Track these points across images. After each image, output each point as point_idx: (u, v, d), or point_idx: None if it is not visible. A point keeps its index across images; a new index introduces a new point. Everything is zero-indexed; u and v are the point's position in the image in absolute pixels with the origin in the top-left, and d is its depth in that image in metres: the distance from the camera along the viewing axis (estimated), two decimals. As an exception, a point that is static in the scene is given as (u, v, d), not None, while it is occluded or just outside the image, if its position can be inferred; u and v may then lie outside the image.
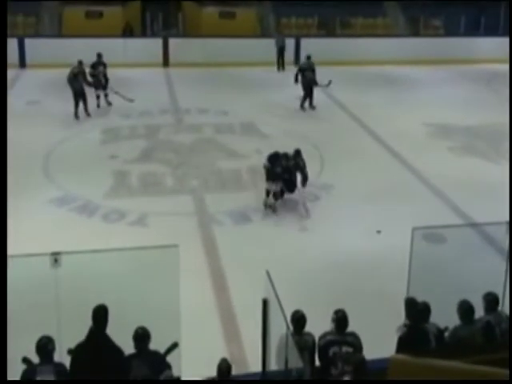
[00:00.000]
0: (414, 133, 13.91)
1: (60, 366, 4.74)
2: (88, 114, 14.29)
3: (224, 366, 4.72)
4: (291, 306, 5.08)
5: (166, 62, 20.11)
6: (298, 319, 5.30)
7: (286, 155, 9.94)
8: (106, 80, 14.90)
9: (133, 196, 10.43)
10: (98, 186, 10.60)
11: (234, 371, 5.20)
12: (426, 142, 13.48)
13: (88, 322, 4.81)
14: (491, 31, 22.43)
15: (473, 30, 22.89)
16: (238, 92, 17.11)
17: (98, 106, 14.89)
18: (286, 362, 4.96)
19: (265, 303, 5.03)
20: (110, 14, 21.19)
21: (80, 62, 14.09)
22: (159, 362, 4.93)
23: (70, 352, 4.76)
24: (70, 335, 4.79)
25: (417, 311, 5.56)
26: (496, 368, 4.51)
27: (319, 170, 11.59)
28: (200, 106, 15.64)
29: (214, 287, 7.70)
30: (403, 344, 5.31)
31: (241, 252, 8.50)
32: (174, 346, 5.05)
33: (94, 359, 4.65)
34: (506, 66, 20.08)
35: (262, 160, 10.24)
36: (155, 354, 4.95)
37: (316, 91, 15.58)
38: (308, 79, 15.29)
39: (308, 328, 5.27)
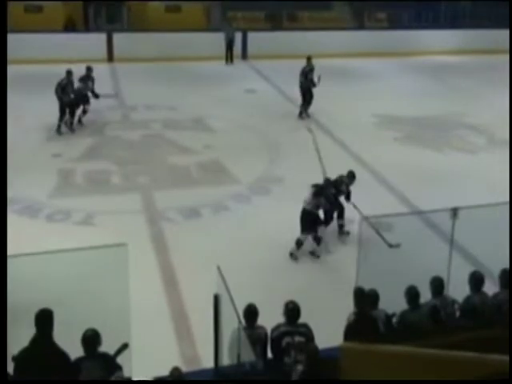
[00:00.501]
0: (362, 124, 14.10)
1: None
2: (72, 130, 13.11)
3: (175, 375, 4.65)
4: (244, 299, 5.09)
5: (110, 58, 19.80)
6: (250, 313, 5.30)
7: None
8: (95, 96, 13.51)
9: (79, 195, 10.22)
10: (41, 185, 10.35)
11: (187, 368, 5.18)
12: (373, 132, 13.68)
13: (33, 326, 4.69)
14: (433, 24, 22.95)
15: (416, 23, 23.36)
16: (186, 87, 16.99)
17: (80, 121, 13.51)
18: (239, 356, 4.96)
19: (216, 298, 5.01)
20: (51, 8, 20.69)
21: (69, 72, 12.98)
22: (109, 363, 4.85)
23: (13, 359, 4.62)
24: (15, 340, 4.66)
25: (364, 299, 5.65)
26: (444, 350, 4.63)
27: (269, 164, 11.63)
28: (147, 102, 15.45)
29: (165, 285, 7.63)
30: (351, 332, 5.39)
31: (192, 248, 8.45)
32: (124, 346, 4.98)
33: (38, 365, 4.54)
34: (450, 58, 20.61)
35: (212, 155, 10.20)
36: (105, 355, 4.87)
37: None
38: (309, 81, 14.43)
39: (262, 320, 5.28)
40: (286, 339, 5.21)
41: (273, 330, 5.29)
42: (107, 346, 4.88)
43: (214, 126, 13.83)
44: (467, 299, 6.24)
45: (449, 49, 21.58)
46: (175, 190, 10.47)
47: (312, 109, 14.70)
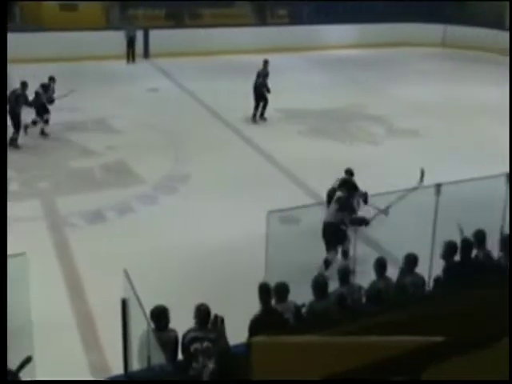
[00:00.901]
0: (267, 119, 14.22)
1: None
2: (16, 146, 11.96)
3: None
4: (154, 303, 4.98)
5: (4, 59, 18.87)
6: (159, 315, 5.19)
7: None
8: (51, 101, 12.77)
9: (-26, 204, 9.66)
10: None
11: (95, 377, 5.03)
12: (278, 127, 13.84)
13: None
14: (333, 19, 23.44)
15: (316, 18, 23.83)
16: (86, 87, 16.46)
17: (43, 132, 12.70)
18: (149, 360, 4.86)
19: (124, 303, 4.87)
20: None
21: (23, 84, 12.20)
22: (11, 379, 4.60)
23: None
24: None
25: (269, 294, 5.67)
26: (351, 336, 4.73)
27: (175, 162, 11.49)
28: (46, 104, 14.85)
29: (70, 293, 7.34)
30: (256, 327, 5.39)
31: (97, 253, 8.18)
32: (27, 360, 4.74)
33: None
34: (350, 51, 21.19)
35: (116, 156, 9.94)
36: (7, 372, 4.61)
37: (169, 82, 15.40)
38: (264, 86, 14.10)
39: (173, 323, 5.19)
40: (195, 345, 5.15)
41: (183, 336, 5.22)
42: (8, 361, 4.63)
43: (117, 126, 13.51)
44: (372, 285, 6.41)
45: (348, 43, 22.19)
46: (78, 194, 10.11)
47: (221, 105, 14.72)
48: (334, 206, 8.04)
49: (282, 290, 5.84)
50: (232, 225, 9.09)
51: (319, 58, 20.99)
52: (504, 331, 3.87)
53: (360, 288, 6.52)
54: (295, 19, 23.75)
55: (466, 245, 6.81)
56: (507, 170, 8.25)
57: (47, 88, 12.76)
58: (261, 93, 13.96)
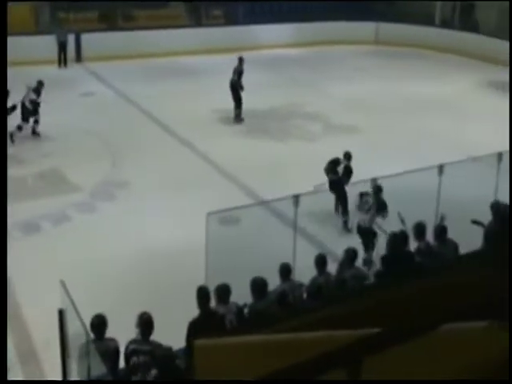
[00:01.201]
0: (204, 120, 14.16)
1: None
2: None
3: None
4: (92, 312, 4.88)
5: None
6: (98, 325, 5.10)
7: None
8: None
9: None
10: None
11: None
12: (216, 128, 13.79)
13: None
14: (269, 18, 23.54)
15: (251, 18, 23.87)
16: (17, 94, 15.94)
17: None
18: (89, 370, 4.75)
19: (61, 314, 4.73)
20: None
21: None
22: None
23: None
24: None
25: (206, 296, 5.64)
26: (293, 333, 4.75)
27: (112, 168, 11.28)
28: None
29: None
30: (196, 329, 5.35)
31: (33, 265, 7.94)
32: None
33: None
34: (286, 50, 21.32)
35: (50, 164, 9.67)
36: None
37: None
38: (238, 84, 13.99)
39: (114, 333, 5.08)
40: (134, 358, 5.10)
41: (126, 346, 5.16)
42: None
43: (51, 133, 13.14)
44: (313, 280, 6.47)
45: (285, 42, 22.33)
46: (11, 205, 9.74)
47: (158, 108, 14.55)
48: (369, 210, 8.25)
49: (223, 291, 5.81)
50: (172, 229, 9.00)
51: (256, 57, 21.00)
52: (440, 319, 3.97)
53: (301, 285, 6.56)
54: (231, 19, 23.73)
55: (402, 237, 6.97)
56: (440, 161, 8.46)
57: (39, 92, 13.00)
58: (236, 91, 13.91)
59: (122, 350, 5.11)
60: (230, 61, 20.34)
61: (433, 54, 20.27)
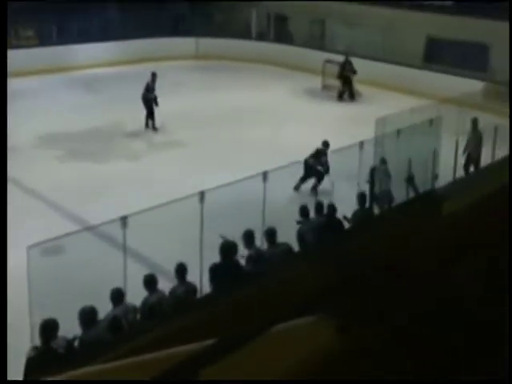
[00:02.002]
0: (21, 146, 13.38)
1: None
2: None
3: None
4: None
5: None
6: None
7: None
8: None
9: None
10: None
11: None
12: (33, 154, 13.10)
13: None
14: (84, 37, 22.93)
15: (66, 38, 23.08)
16: None
17: None
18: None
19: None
20: None
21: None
22: None
23: None
24: None
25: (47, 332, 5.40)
26: (126, 359, 4.64)
27: None
28: None
29: None
30: (32, 367, 5.09)
31: None
32: None
33: None
34: (105, 69, 20.89)
35: None
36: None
37: None
38: (152, 99, 14.97)
39: None
40: None
41: None
42: None
43: None
44: (144, 301, 6.39)
45: (104, 61, 21.86)
46: None
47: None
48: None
49: (49, 327, 5.56)
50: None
51: (74, 78, 20.39)
52: (269, 322, 4.10)
53: (135, 307, 6.45)
54: (44, 40, 22.75)
55: (231, 246, 7.12)
56: (263, 169, 8.76)
57: None
58: (150, 104, 14.84)
59: None
60: (48, 82, 19.60)
61: (250, 66, 21.04)
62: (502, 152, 12.20)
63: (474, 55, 18.77)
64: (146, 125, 15.04)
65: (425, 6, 19.84)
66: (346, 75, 18.42)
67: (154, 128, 15.03)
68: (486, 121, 13.25)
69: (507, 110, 14.16)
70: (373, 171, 9.71)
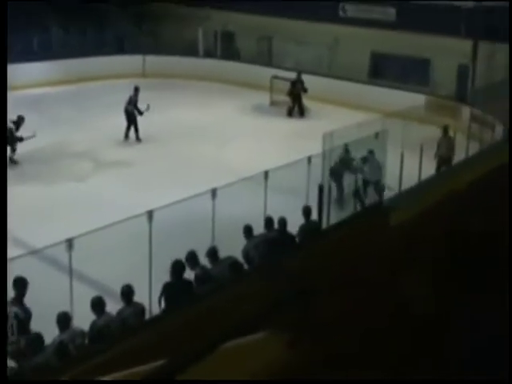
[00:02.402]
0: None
1: None
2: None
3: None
4: None
5: None
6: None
7: None
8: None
9: None
10: None
11: None
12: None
13: None
14: (28, 56, 22.39)
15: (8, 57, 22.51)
16: None
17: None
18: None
19: None
20: None
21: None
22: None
23: None
24: None
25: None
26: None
27: None
28: None
29: None
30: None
31: None
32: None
33: None
34: (47, 89, 20.49)
35: None
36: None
37: None
38: (136, 110, 15.88)
39: None
40: None
41: None
42: None
43: None
44: (91, 325, 6.21)
45: (45, 80, 21.41)
46: None
47: None
48: None
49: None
50: None
51: (17, 97, 19.85)
52: (219, 339, 4.01)
53: (83, 332, 6.26)
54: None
55: (180, 266, 7.05)
56: (212, 187, 8.70)
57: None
58: (132, 116, 15.66)
59: None
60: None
61: (198, 83, 20.95)
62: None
63: (416, 69, 19.28)
64: (126, 136, 15.69)
65: (369, 22, 20.29)
66: (296, 93, 18.60)
67: (138, 139, 15.71)
68: (429, 133, 13.62)
69: (450, 122, 14.61)
70: (321, 186, 9.79)
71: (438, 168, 12.73)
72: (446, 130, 13.52)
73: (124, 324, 6.21)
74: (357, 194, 10.13)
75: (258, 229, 8.45)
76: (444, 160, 12.92)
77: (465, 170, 11.23)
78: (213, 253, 7.40)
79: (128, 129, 15.76)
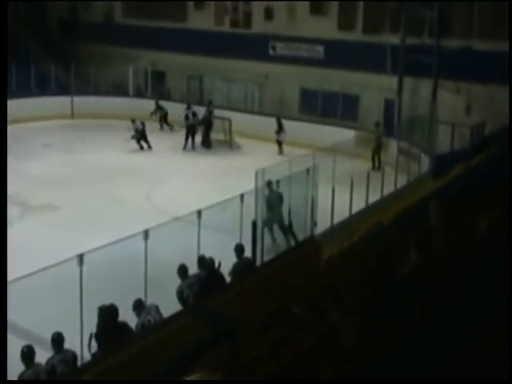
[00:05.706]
0: None
1: None
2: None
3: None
4: None
5: None
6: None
7: None
8: None
9: None
10: None
11: None
12: None
13: None
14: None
15: None
16: None
17: None
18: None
19: None
20: None
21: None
22: None
23: None
24: None
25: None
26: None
27: None
28: None
29: None
30: None
31: None
32: None
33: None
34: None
35: None
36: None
37: None
38: None
39: None
40: None
41: None
42: None
43: None
44: (20, 376, 6.06)
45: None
46: None
47: None
48: None
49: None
50: None
51: None
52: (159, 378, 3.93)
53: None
54: None
55: (113, 310, 6.91)
56: (144, 227, 8.53)
57: None
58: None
59: None
60: None
61: (127, 123, 20.54)
62: (374, 197, 12.85)
63: (345, 105, 19.84)
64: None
65: (298, 59, 20.81)
66: (188, 125, 19.27)
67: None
68: (359, 167, 13.93)
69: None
70: (254, 223, 9.81)
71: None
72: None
73: (53, 372, 5.97)
74: (289, 228, 10.19)
75: (193, 268, 8.36)
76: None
77: (393, 202, 11.58)
78: (138, 305, 7.36)
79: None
